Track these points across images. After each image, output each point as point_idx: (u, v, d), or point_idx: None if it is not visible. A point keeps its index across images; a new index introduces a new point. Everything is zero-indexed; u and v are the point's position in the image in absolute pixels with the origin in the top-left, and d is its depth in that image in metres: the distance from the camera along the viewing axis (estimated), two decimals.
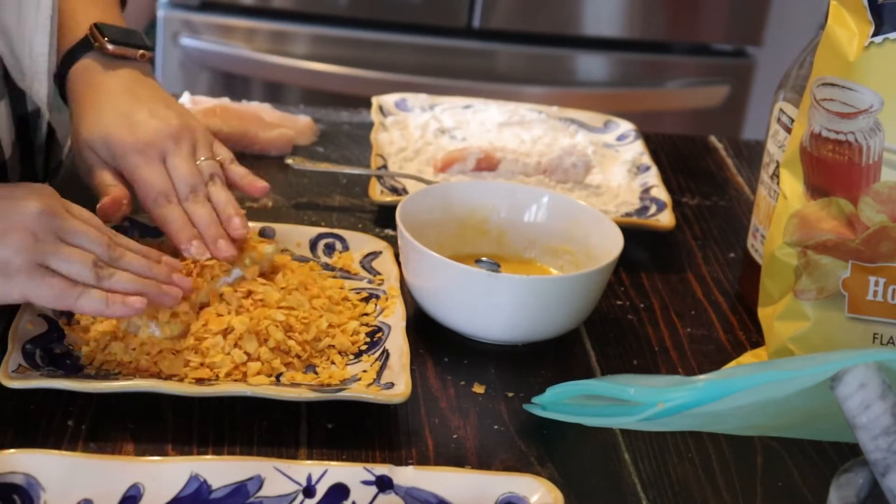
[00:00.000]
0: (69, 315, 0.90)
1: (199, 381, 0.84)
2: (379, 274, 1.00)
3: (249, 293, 0.91)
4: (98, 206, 0.94)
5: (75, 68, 1.03)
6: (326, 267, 1.01)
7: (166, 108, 1.00)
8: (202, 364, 0.86)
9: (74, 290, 0.82)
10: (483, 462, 0.83)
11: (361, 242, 1.04)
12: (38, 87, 0.96)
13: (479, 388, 0.91)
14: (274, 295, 0.91)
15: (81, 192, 1.02)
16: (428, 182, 1.16)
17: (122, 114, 0.98)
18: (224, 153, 1.01)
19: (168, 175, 0.96)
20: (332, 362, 0.89)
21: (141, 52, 1.04)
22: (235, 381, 0.85)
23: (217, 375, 0.85)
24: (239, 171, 1.00)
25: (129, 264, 0.86)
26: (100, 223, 0.88)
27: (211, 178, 0.97)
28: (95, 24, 1.04)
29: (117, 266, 0.85)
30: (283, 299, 0.91)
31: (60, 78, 1.04)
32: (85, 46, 1.03)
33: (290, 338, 0.88)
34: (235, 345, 0.87)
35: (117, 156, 0.97)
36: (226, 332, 0.87)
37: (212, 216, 0.95)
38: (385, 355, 0.89)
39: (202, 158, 0.98)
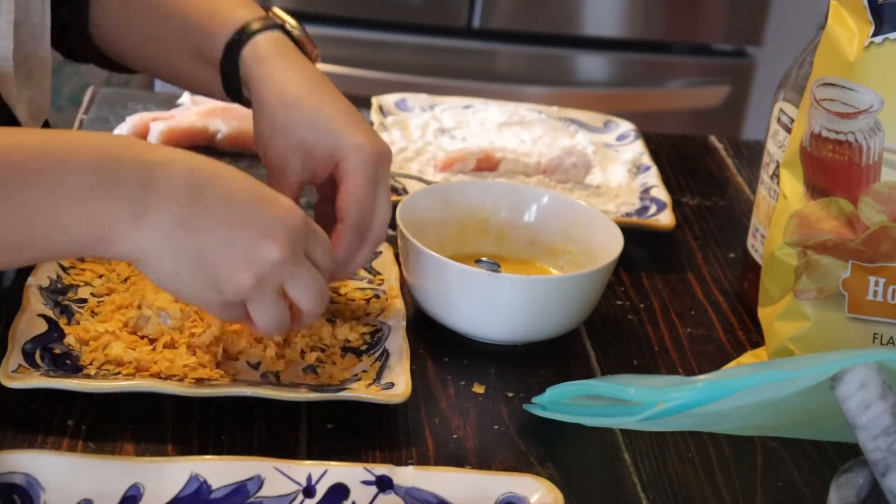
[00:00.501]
0: (69, 315, 0.90)
1: (199, 381, 0.84)
2: (379, 274, 1.00)
3: None
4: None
5: (265, 37, 0.92)
6: None
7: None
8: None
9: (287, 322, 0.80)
10: (483, 462, 0.83)
11: None
12: (6, 88, 0.90)
13: (479, 388, 0.91)
14: None
15: None
16: (428, 182, 1.16)
17: (369, 126, 0.91)
18: None
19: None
20: (333, 363, 0.89)
21: (316, 51, 0.97)
22: (235, 380, 0.85)
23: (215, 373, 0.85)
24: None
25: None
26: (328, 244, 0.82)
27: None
28: (274, 9, 0.96)
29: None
30: None
31: (233, 50, 0.92)
32: (269, 23, 0.93)
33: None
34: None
35: (367, 161, 0.88)
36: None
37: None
38: (385, 355, 0.89)
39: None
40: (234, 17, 0.93)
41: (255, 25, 0.92)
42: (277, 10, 0.95)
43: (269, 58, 0.91)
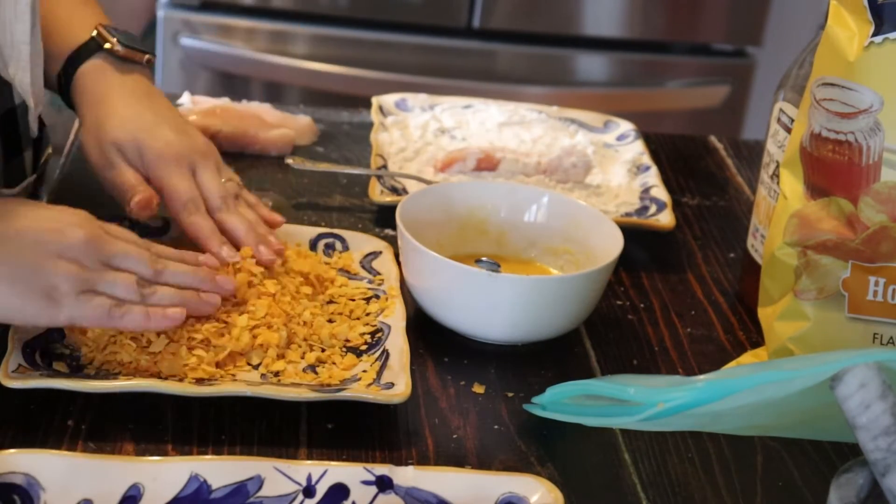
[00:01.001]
0: None
1: (199, 381, 0.84)
2: (379, 274, 1.00)
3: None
4: (131, 204, 0.97)
5: (86, 67, 1.04)
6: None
7: (185, 124, 1.03)
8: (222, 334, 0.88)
9: (119, 310, 0.84)
10: (483, 462, 0.83)
11: (361, 242, 1.04)
12: (22, 76, 0.97)
13: (479, 388, 0.91)
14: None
15: (81, 194, 1.02)
16: (428, 182, 1.16)
17: (150, 122, 1.01)
18: (236, 180, 1.03)
19: (197, 187, 0.99)
20: (333, 363, 0.89)
21: (147, 56, 1.06)
22: (235, 379, 0.85)
23: (217, 372, 0.85)
24: (250, 199, 1.03)
25: (173, 276, 0.88)
26: (138, 240, 0.90)
27: (236, 196, 1.00)
28: (102, 26, 1.05)
29: (160, 280, 0.88)
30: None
31: (65, 78, 1.05)
32: (92, 48, 1.05)
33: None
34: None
35: (149, 161, 0.99)
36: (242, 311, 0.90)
37: (248, 223, 0.98)
38: (385, 355, 0.89)
39: (224, 179, 1.01)
40: (64, 48, 1.05)
41: (80, 55, 1.04)
42: (103, 27, 1.05)
43: (89, 90, 1.04)
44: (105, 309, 0.84)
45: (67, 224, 0.85)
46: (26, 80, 0.97)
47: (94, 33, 1.05)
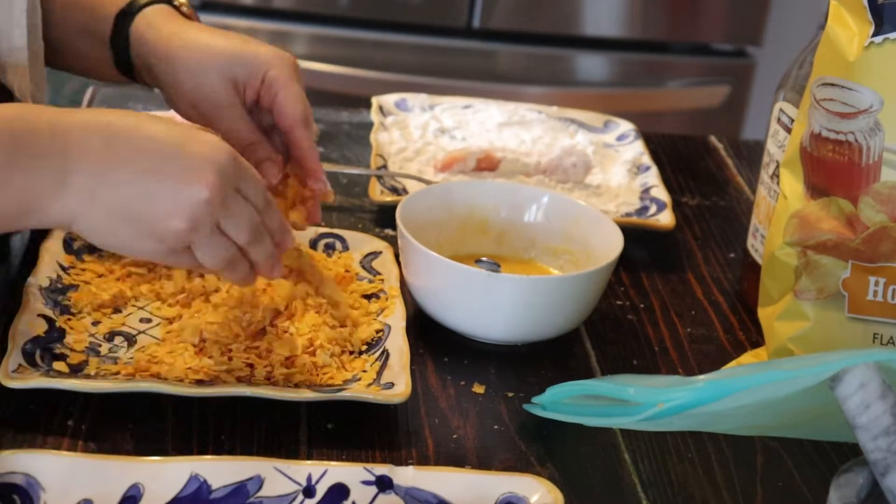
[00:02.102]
0: (70, 314, 0.90)
1: (199, 381, 0.84)
2: (379, 274, 1.00)
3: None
4: (264, 174, 0.89)
5: (146, 15, 0.95)
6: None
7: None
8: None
9: (237, 263, 0.80)
10: (483, 462, 0.83)
11: (361, 242, 1.04)
12: (21, 82, 0.92)
13: (479, 388, 0.91)
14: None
15: None
16: (428, 182, 1.16)
17: (241, 38, 0.94)
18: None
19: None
20: (342, 366, 0.89)
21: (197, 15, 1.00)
22: (240, 379, 0.85)
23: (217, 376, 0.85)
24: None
25: (272, 220, 0.82)
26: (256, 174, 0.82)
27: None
28: None
29: (264, 219, 0.82)
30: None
31: (120, 36, 0.96)
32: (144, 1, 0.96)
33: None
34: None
35: (263, 74, 0.91)
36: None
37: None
38: (385, 355, 0.89)
39: None
40: (113, 3, 0.96)
41: (135, 5, 0.96)
42: None
43: (162, 23, 0.95)
44: (228, 257, 0.79)
45: (209, 147, 0.77)
46: (25, 85, 0.94)
47: None
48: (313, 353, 0.88)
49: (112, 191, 0.76)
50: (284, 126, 0.92)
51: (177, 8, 0.97)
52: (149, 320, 0.91)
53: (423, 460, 0.82)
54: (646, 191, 1.21)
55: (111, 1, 0.97)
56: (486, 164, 1.21)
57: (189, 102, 0.93)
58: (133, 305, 0.92)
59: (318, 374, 0.87)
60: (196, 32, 0.94)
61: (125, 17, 0.96)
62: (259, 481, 0.74)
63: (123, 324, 0.90)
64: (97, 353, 0.87)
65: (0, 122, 0.75)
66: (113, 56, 0.98)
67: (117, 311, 0.92)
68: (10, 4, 0.91)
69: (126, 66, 0.98)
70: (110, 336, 0.89)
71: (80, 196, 0.75)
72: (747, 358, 0.97)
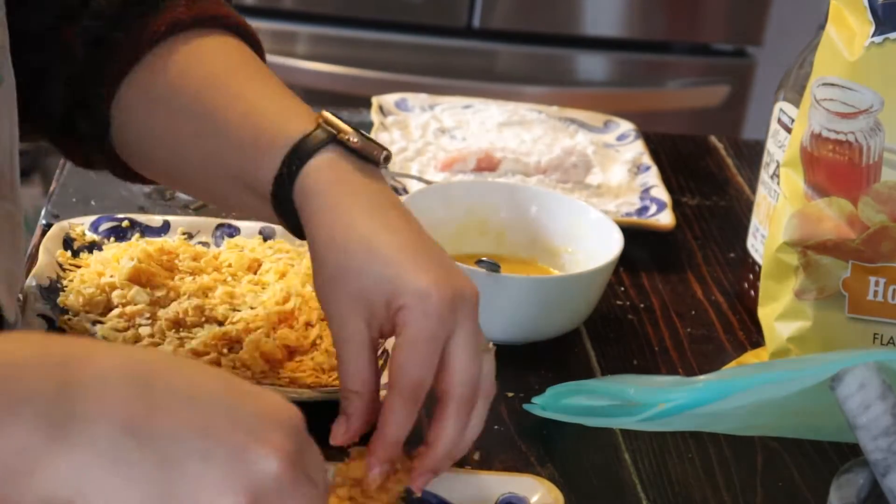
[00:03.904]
0: (70, 314, 0.90)
1: None
2: None
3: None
4: (336, 427, 0.73)
5: (317, 162, 0.74)
6: None
7: (443, 256, 0.74)
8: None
9: None
10: (483, 462, 0.83)
11: None
12: None
13: None
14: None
15: (80, 198, 1.01)
16: (428, 182, 1.16)
17: (410, 256, 0.71)
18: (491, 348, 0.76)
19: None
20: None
21: (385, 153, 0.77)
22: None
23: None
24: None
25: None
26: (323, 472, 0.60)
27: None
28: (323, 113, 0.77)
29: None
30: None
31: (288, 178, 0.75)
32: (321, 138, 0.75)
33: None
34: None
35: (430, 313, 0.70)
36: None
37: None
38: (385, 355, 0.89)
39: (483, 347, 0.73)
40: (280, 138, 0.75)
41: (307, 146, 0.75)
42: (328, 115, 0.77)
43: (323, 191, 0.74)
44: None
45: (263, 444, 0.54)
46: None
47: (320, 120, 0.76)
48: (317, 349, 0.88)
49: (143, 448, 0.51)
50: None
51: (345, 144, 0.76)
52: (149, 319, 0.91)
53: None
54: (646, 191, 1.20)
55: (266, 145, 0.76)
56: (486, 164, 1.21)
57: (323, 305, 0.75)
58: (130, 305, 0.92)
59: (325, 377, 0.87)
60: (351, 216, 0.73)
61: (286, 179, 0.75)
62: None
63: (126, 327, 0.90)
64: None
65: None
66: (280, 218, 0.77)
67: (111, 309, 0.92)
68: None
69: (297, 231, 0.77)
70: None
71: (89, 455, 0.50)
72: (747, 358, 0.97)
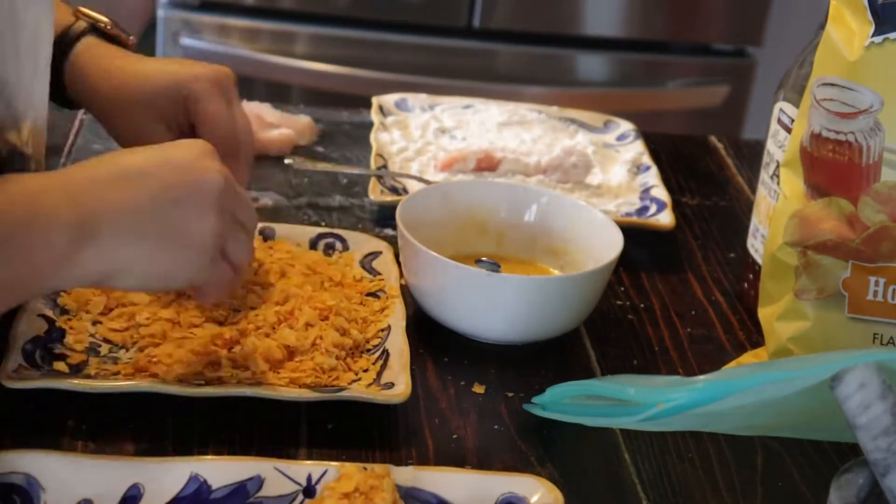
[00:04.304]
0: (70, 314, 0.90)
1: (199, 381, 0.84)
2: (379, 274, 1.00)
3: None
4: None
5: (80, 47, 0.94)
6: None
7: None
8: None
9: (234, 279, 0.80)
10: (483, 462, 0.83)
11: (361, 242, 1.04)
12: (35, 142, 0.86)
13: (479, 388, 0.91)
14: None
15: None
16: (428, 182, 1.16)
17: (177, 65, 0.94)
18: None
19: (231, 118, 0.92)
20: (349, 368, 0.89)
21: (132, 38, 0.98)
22: (240, 381, 0.85)
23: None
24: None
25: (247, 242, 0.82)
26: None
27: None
28: (79, 9, 0.97)
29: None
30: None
31: (56, 66, 0.92)
32: (81, 28, 0.95)
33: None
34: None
35: (189, 93, 0.91)
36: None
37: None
38: (385, 355, 0.89)
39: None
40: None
41: (72, 32, 0.94)
42: (84, 10, 0.96)
43: (95, 56, 0.94)
44: (228, 280, 0.79)
45: (203, 165, 0.77)
46: (41, 146, 0.88)
47: (79, 13, 0.96)
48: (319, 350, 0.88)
49: (139, 222, 0.73)
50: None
51: (104, 32, 0.96)
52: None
53: (423, 460, 0.82)
54: (646, 191, 1.21)
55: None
56: (486, 164, 1.21)
57: (120, 136, 0.95)
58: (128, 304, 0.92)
59: (325, 377, 0.87)
60: (119, 62, 0.94)
61: (57, 57, 0.92)
62: (259, 481, 0.74)
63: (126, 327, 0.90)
64: (97, 353, 0.87)
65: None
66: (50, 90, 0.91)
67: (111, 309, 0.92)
68: (36, 54, 0.84)
69: (61, 100, 0.96)
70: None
71: (109, 243, 0.72)
72: (747, 358, 0.97)
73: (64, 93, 0.96)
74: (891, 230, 0.86)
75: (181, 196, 0.75)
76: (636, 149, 1.30)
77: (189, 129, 0.93)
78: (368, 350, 0.91)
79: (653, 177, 1.23)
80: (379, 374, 0.87)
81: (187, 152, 0.77)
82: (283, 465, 0.75)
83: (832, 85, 0.86)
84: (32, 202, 0.70)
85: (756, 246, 1.05)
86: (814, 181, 0.89)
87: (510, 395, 0.90)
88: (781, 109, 1.02)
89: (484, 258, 1.03)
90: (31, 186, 0.72)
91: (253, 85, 2.20)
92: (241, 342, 0.89)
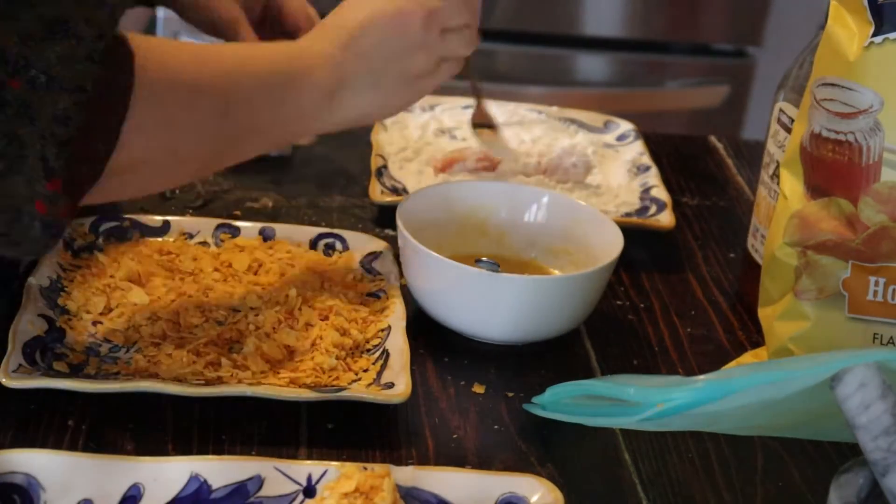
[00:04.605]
0: (70, 314, 0.90)
1: (199, 381, 0.84)
2: (379, 274, 1.00)
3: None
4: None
5: None
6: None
7: None
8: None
9: (458, 66, 0.98)
10: (483, 462, 0.83)
11: (361, 242, 1.04)
12: None
13: (479, 388, 0.91)
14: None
15: None
16: (428, 183, 1.16)
17: None
18: None
19: None
20: (349, 368, 0.89)
21: None
22: (240, 381, 0.85)
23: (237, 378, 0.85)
24: None
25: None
26: None
27: None
28: None
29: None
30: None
31: None
32: None
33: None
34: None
35: None
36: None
37: None
38: (385, 355, 0.89)
39: None
40: None
41: None
42: None
43: None
44: (452, 71, 0.97)
45: (403, 9, 0.93)
46: None
47: None
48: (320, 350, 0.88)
49: (372, 83, 0.92)
50: (291, 29, 1.06)
51: None
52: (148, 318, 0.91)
53: (423, 460, 0.82)
54: (646, 191, 1.21)
55: None
56: (486, 164, 1.21)
57: (201, 20, 1.06)
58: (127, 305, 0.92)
59: (325, 377, 0.87)
60: None
61: None
62: (259, 481, 0.74)
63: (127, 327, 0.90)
64: (97, 353, 0.87)
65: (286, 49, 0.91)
66: None
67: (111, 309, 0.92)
68: None
69: None
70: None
71: (349, 102, 0.91)
72: (747, 358, 0.97)
73: None
74: (891, 230, 0.86)
75: (395, 44, 0.92)
76: (636, 149, 1.30)
77: (260, 21, 1.09)
78: (368, 350, 0.91)
79: (653, 177, 1.23)
80: (379, 374, 0.87)
81: (387, 3, 0.93)
82: (283, 465, 0.75)
83: (832, 85, 0.86)
84: (300, 59, 0.89)
85: (756, 246, 1.05)
86: (814, 181, 0.89)
87: (510, 395, 0.90)
88: (781, 109, 1.02)
89: (484, 258, 1.03)
90: (295, 50, 0.90)
91: None
92: (241, 342, 0.89)
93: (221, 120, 0.83)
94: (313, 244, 1.03)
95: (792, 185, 0.90)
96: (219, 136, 0.84)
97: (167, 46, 0.82)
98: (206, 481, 0.74)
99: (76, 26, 0.70)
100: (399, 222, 0.96)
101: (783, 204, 0.91)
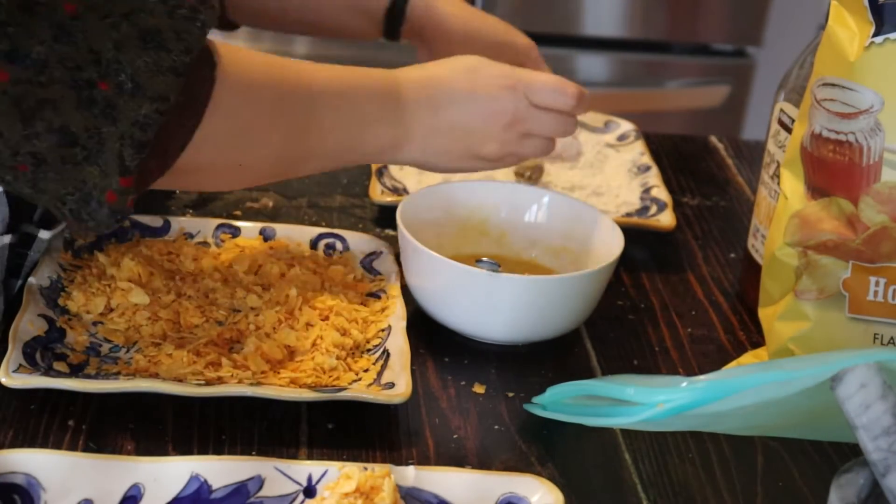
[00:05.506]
0: (70, 314, 0.90)
1: (199, 381, 0.84)
2: (379, 274, 1.00)
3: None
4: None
5: None
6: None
7: None
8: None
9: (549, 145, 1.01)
10: (483, 462, 0.83)
11: (361, 242, 1.04)
12: None
13: (479, 388, 0.91)
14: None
15: None
16: (428, 183, 1.16)
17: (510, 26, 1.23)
18: None
19: None
20: (349, 368, 0.89)
21: None
22: (240, 381, 0.85)
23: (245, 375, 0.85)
24: None
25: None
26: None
27: None
28: None
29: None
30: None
31: (396, 8, 1.15)
32: None
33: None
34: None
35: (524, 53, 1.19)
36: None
37: None
38: (385, 355, 0.89)
39: None
40: None
41: None
42: None
43: (436, 5, 1.16)
44: (514, 163, 1.01)
45: (493, 111, 0.96)
46: None
47: None
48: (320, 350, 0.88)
49: (438, 146, 0.96)
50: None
51: None
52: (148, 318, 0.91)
53: (423, 460, 0.82)
54: (646, 191, 1.21)
55: None
56: None
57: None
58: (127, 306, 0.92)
59: (325, 377, 0.87)
60: (468, 17, 1.16)
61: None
62: (259, 481, 0.74)
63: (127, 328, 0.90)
64: (97, 353, 0.87)
65: (369, 80, 1.00)
66: (384, 27, 1.17)
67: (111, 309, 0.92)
68: None
69: (392, 34, 1.17)
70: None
71: (419, 142, 0.95)
72: (747, 358, 0.97)
73: (396, 29, 1.17)
74: (891, 230, 0.86)
75: (476, 127, 0.96)
76: (637, 149, 1.30)
77: None
78: (369, 350, 0.91)
79: (653, 177, 1.23)
80: (379, 374, 0.87)
81: (491, 81, 0.97)
82: (284, 465, 0.75)
83: (832, 85, 0.86)
84: (393, 112, 0.95)
85: (756, 246, 1.05)
86: (814, 181, 0.89)
87: (510, 395, 0.90)
88: (782, 109, 1.02)
89: (484, 258, 1.03)
90: (391, 101, 0.97)
91: None
92: (241, 342, 0.89)
93: (292, 143, 0.87)
94: (313, 244, 1.03)
95: (792, 186, 0.90)
96: (284, 155, 0.88)
97: (254, 60, 0.84)
98: (206, 481, 0.74)
99: (167, 39, 0.73)
100: (399, 222, 0.96)
101: (784, 204, 0.91)
